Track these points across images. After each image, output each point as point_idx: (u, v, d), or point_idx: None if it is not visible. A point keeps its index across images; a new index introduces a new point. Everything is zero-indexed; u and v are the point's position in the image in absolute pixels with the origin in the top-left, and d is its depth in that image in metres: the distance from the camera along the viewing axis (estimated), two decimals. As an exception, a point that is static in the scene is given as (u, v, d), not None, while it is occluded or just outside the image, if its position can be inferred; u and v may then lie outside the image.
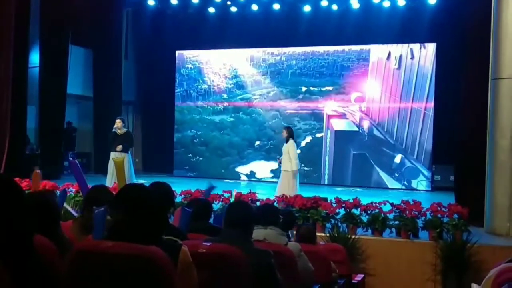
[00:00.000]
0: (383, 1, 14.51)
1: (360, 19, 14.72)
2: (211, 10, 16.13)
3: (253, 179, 15.60)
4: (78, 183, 7.44)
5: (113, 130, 11.26)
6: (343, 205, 7.85)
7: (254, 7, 15.64)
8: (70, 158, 13.28)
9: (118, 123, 11.33)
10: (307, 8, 15.27)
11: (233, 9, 15.99)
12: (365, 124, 14.79)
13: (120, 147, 11.02)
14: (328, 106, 15.14)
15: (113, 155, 10.96)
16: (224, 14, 16.04)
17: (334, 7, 14.97)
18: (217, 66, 16.32)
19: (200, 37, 16.00)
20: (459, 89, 9.73)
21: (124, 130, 11.48)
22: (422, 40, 14.18)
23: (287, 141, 10.38)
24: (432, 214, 7.48)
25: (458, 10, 10.52)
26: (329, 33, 14.94)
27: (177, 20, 16.46)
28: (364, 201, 8.01)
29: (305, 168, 13.91)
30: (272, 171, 15.33)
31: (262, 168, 15.71)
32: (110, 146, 11.26)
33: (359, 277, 6.12)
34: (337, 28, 14.83)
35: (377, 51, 14.70)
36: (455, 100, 10.14)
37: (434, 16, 14.04)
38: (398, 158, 14.45)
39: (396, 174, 14.44)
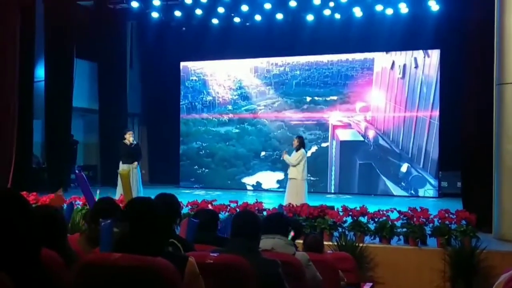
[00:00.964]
0: (386, 9, 14.44)
1: (363, 27, 14.63)
2: (215, 21, 16.08)
3: (259, 189, 15.57)
4: (85, 196, 7.45)
5: (129, 143, 11.31)
6: (350, 213, 7.83)
7: (258, 17, 15.63)
8: (77, 171, 13.27)
9: (131, 135, 11.43)
10: (310, 18, 15.22)
11: (236, 20, 15.96)
12: (371, 134, 14.76)
13: (135, 163, 11.14)
14: (333, 116, 15.13)
15: (124, 166, 10.99)
16: (228, 25, 16.03)
17: (337, 16, 14.91)
18: (221, 77, 16.35)
19: (204, 49, 16.01)
20: (464, 95, 9.71)
21: (134, 142, 11.57)
22: (426, 47, 14.16)
23: (297, 150, 10.39)
24: (440, 221, 7.45)
25: (461, 16, 10.50)
26: (332, 42, 14.93)
27: (181, 32, 16.51)
28: (371, 209, 7.99)
29: (311, 178, 13.87)
30: (278, 181, 15.31)
31: (268, 178, 15.69)
32: (121, 157, 11.30)
33: (367, 285, 6.06)
34: (341, 36, 14.79)
35: (381, 61, 14.69)
36: (460, 106, 10.10)
37: (438, 22, 13.95)
38: (404, 167, 14.40)
39: (402, 183, 14.38)
